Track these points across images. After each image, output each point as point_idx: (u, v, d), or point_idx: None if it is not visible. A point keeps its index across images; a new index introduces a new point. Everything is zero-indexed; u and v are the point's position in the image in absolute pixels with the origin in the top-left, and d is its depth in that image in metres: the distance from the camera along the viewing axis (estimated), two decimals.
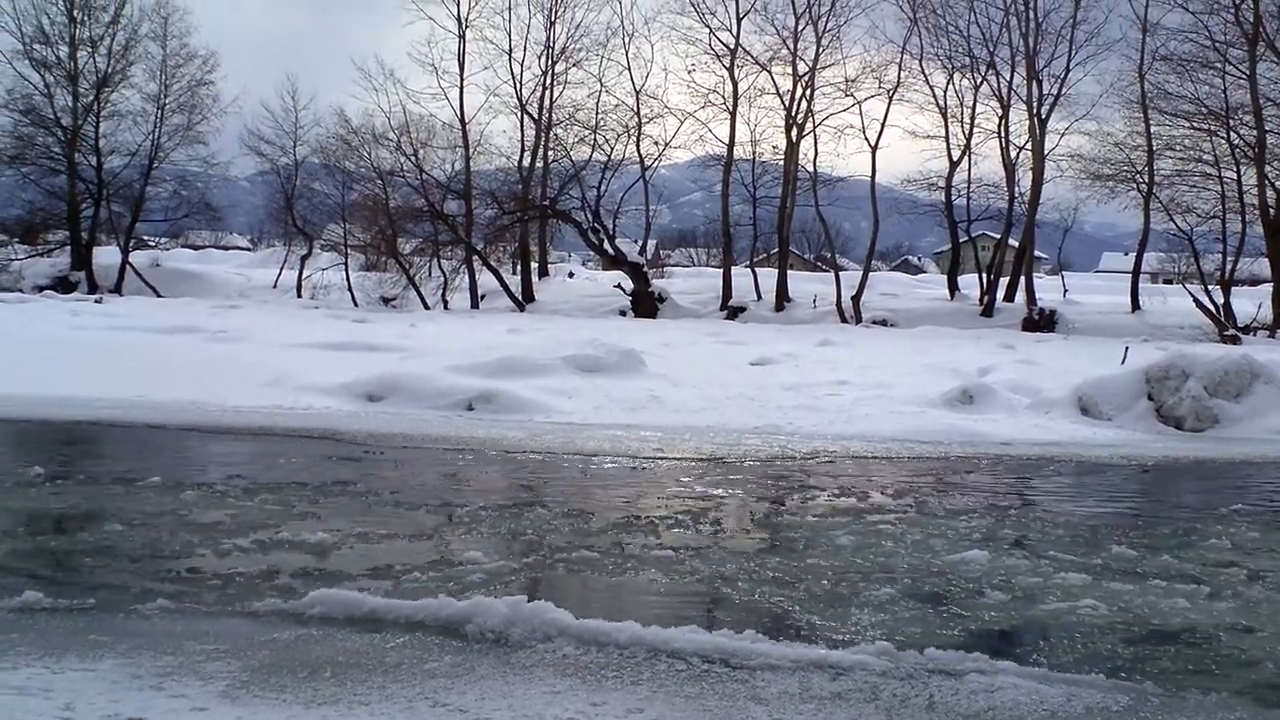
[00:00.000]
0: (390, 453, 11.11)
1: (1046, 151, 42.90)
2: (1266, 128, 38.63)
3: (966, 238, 47.67)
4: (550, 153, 48.49)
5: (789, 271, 46.62)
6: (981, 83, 44.29)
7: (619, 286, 44.54)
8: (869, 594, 6.17)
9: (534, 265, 49.63)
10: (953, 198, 45.84)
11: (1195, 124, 40.88)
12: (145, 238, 56.89)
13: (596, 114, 47.85)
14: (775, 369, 20.19)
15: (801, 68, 44.97)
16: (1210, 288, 39.68)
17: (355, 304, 44.80)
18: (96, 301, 36.11)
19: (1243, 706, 4.70)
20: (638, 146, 48.75)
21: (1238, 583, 6.64)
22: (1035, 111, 42.49)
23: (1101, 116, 43.36)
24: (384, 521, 7.72)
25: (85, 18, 48.92)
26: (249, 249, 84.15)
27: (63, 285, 46.20)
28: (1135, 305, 42.32)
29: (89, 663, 4.79)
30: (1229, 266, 40.68)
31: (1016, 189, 44.23)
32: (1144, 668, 5.13)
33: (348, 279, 47.40)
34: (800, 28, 44.68)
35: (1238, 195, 40.31)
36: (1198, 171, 42.16)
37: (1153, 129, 41.26)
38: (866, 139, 45.82)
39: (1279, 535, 8.19)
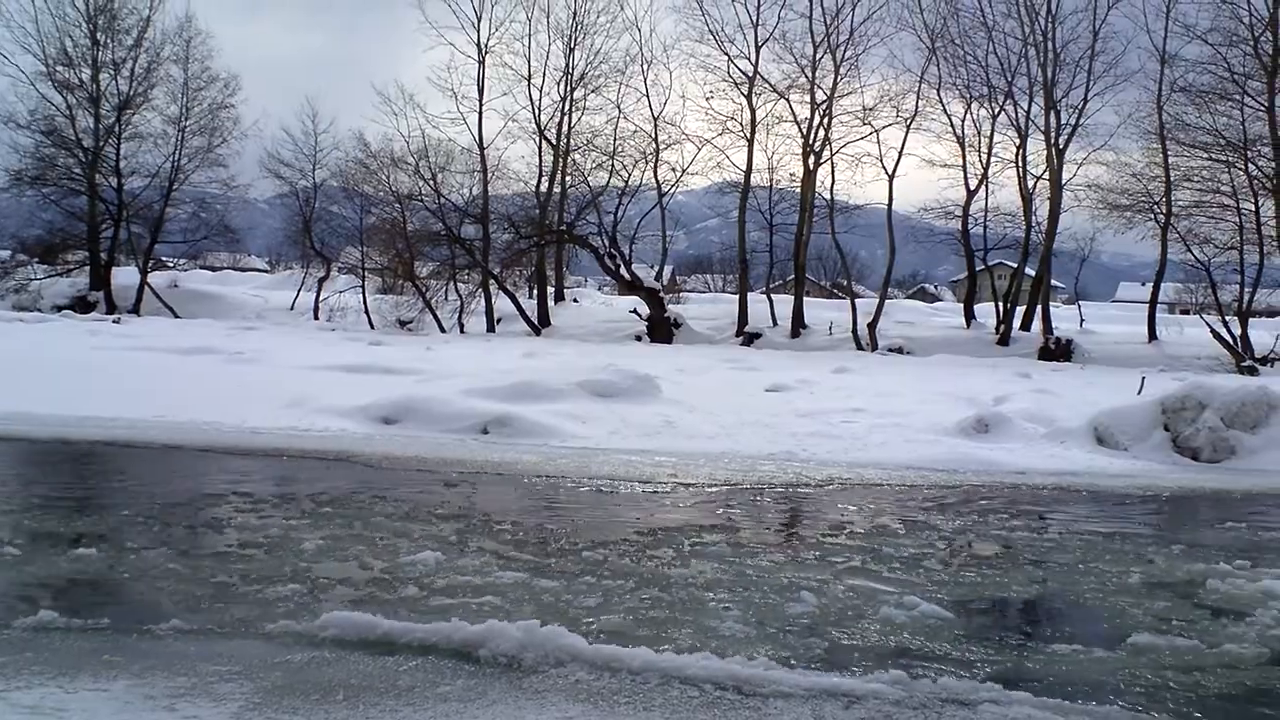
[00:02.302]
0: (406, 474, 11.13)
1: (1064, 181, 42.85)
2: None
3: (983, 266, 47.57)
4: (568, 178, 48.66)
5: (805, 298, 46.55)
6: (999, 112, 44.29)
7: (635, 312, 44.57)
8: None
9: (550, 290, 49.70)
10: (970, 226, 45.78)
11: (1213, 155, 40.76)
12: (164, 259, 57.15)
13: (614, 140, 48.11)
14: (790, 395, 20.16)
15: (819, 96, 45.06)
16: (1228, 318, 39.51)
17: (372, 327, 44.95)
18: (115, 322, 36.32)
19: None
20: (655, 173, 48.98)
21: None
22: (1053, 141, 42.48)
23: (1119, 147, 43.44)
24: (398, 541, 7.72)
25: (108, 40, 49.43)
26: (267, 271, 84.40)
27: (81, 305, 46.49)
28: (1152, 335, 42.16)
29: (102, 682, 4.80)
30: (1246, 297, 40.49)
31: (1034, 218, 44.16)
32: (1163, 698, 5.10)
33: (364, 302, 47.60)
34: (819, 56, 44.81)
35: (1255, 226, 40.14)
36: (1215, 203, 42.01)
37: (1170, 160, 41.18)
38: (884, 167, 45.92)
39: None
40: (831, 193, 46.69)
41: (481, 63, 47.64)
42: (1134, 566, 7.77)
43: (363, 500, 9.30)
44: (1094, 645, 5.82)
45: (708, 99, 47.34)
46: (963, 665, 5.45)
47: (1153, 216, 42.58)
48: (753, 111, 46.03)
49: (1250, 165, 39.81)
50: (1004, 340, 41.86)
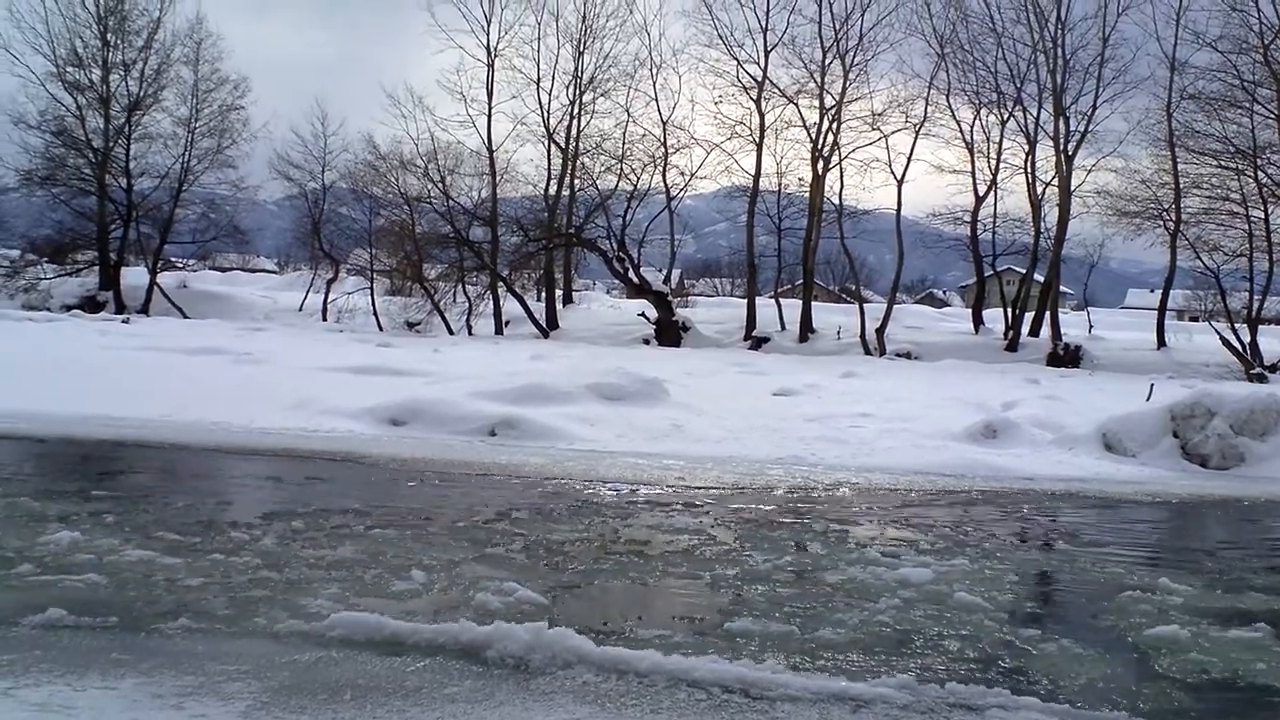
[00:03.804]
0: (415, 476, 11.13)
1: (1073, 188, 42.81)
2: None
3: (992, 272, 47.53)
4: (576, 181, 48.64)
5: (813, 303, 46.59)
6: (1008, 118, 44.27)
7: (643, 315, 44.57)
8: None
9: (558, 293, 49.74)
10: (978, 232, 45.71)
11: (1223, 162, 40.70)
12: (173, 259, 57.29)
13: (623, 144, 48.02)
14: (798, 400, 20.14)
15: (828, 101, 45.07)
16: (1237, 326, 39.45)
17: (380, 328, 45.02)
18: (124, 322, 36.38)
19: None
20: (664, 176, 48.98)
21: None
22: (1062, 148, 42.45)
23: (1128, 154, 43.25)
24: (407, 544, 7.73)
25: (119, 41, 49.53)
26: (275, 272, 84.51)
27: (90, 305, 46.56)
28: (1161, 342, 42.06)
29: (110, 681, 4.80)
30: (1256, 305, 40.41)
31: (1043, 224, 44.14)
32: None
33: (373, 303, 47.70)
34: (828, 61, 44.81)
35: (1265, 234, 40.06)
36: (1225, 210, 41.94)
37: (1180, 167, 41.12)
38: (892, 172, 45.92)
39: None
40: (840, 197, 46.79)
41: (491, 66, 47.78)
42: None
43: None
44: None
45: (716, 103, 47.43)
46: None
47: (1162, 223, 42.49)
48: (761, 116, 46.08)
49: (1260, 172, 39.73)
50: (1012, 346, 41.80)
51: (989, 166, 45.03)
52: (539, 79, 48.03)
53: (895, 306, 46.91)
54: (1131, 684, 5.32)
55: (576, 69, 47.99)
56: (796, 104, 46.03)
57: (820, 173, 45.16)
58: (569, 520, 8.94)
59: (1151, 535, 10.21)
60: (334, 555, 7.29)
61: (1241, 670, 5.65)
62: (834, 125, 45.14)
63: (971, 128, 44.90)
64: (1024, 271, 45.99)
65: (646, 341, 42.59)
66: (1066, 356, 39.31)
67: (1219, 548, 9.65)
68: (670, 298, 46.25)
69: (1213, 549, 9.51)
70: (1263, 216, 40.20)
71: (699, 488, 11.15)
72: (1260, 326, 40.22)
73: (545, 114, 48.28)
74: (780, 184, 48.74)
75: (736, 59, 46.22)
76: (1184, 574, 7.75)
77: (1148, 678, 5.50)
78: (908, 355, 40.03)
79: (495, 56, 47.65)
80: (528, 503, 9.75)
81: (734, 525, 9.05)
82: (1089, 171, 43.68)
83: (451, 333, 43.96)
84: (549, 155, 48.58)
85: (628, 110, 48.32)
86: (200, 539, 7.56)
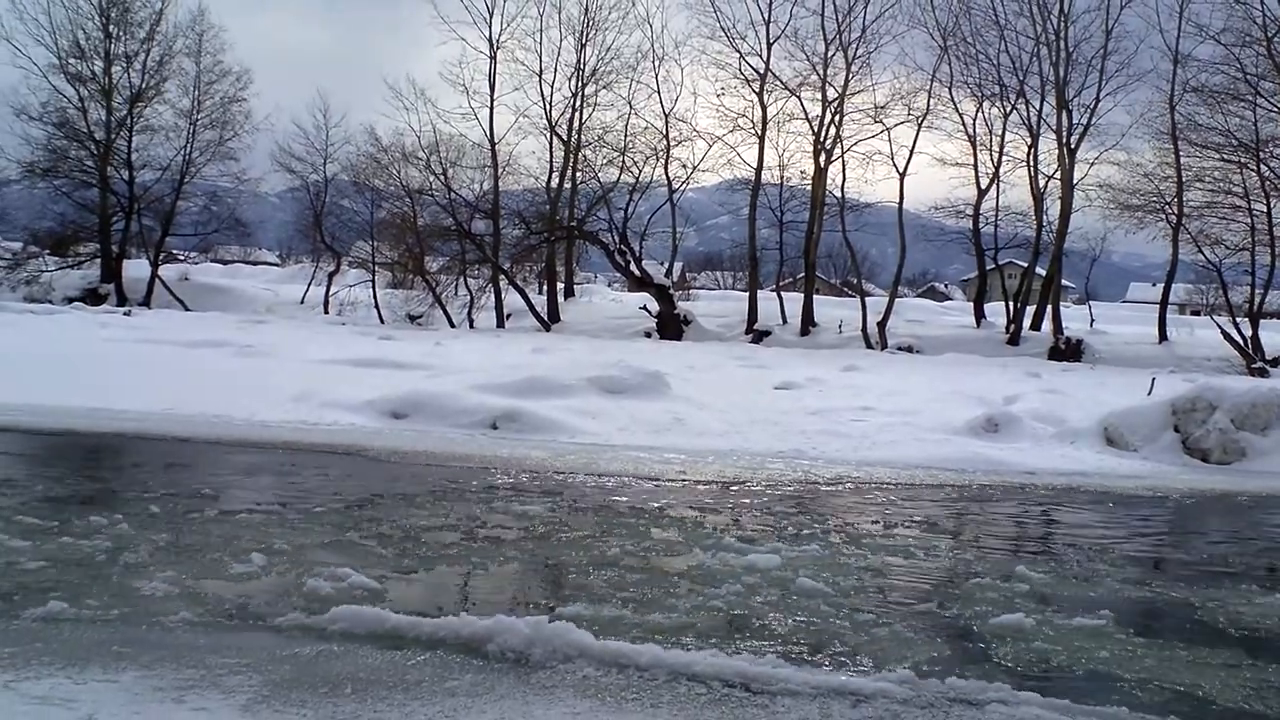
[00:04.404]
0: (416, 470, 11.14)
1: (1075, 181, 42.73)
2: None
3: (994, 265, 47.47)
4: (579, 174, 48.66)
5: (815, 296, 46.58)
6: (1011, 111, 44.17)
7: (644, 308, 44.55)
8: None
9: (560, 285, 49.73)
10: (980, 225, 45.63)
11: (1225, 156, 40.66)
12: (175, 252, 57.28)
13: (625, 136, 48.01)
14: (800, 393, 20.13)
15: (831, 94, 44.99)
16: (1238, 320, 39.41)
17: (381, 321, 45.01)
18: (125, 314, 36.36)
19: None
20: (666, 169, 48.88)
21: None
22: (1065, 141, 42.37)
23: (1131, 147, 43.23)
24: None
25: (121, 33, 49.52)
26: (277, 264, 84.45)
27: (92, 297, 46.56)
28: (1163, 336, 42.04)
29: (111, 674, 4.81)
30: (1258, 299, 40.38)
31: (1045, 218, 44.04)
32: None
33: (374, 296, 47.72)
34: (830, 54, 44.74)
35: (1268, 228, 40.01)
36: (1227, 204, 41.92)
37: (1182, 160, 41.08)
38: (895, 165, 45.81)
39: None
40: (842, 190, 46.68)
41: (493, 58, 47.71)
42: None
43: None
44: None
45: (719, 96, 47.31)
46: None
47: (1164, 217, 42.45)
48: (764, 108, 46.04)
49: (1263, 166, 39.72)
50: (1014, 340, 41.77)
51: (991, 160, 45.00)
52: (541, 71, 48.07)
53: (897, 300, 46.83)
54: (956, 669, 5.30)
55: (579, 61, 48.00)
56: (799, 96, 46.03)
57: (822, 165, 45.11)
58: (431, 506, 9.06)
59: (1097, 528, 10.20)
60: (187, 541, 7.35)
61: (1084, 659, 5.68)
62: (836, 118, 45.09)
63: (974, 120, 44.87)
64: (1026, 265, 45.91)
65: (648, 334, 42.59)
66: (1068, 350, 39.29)
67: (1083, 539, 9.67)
68: (672, 291, 46.22)
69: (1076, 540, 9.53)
70: (1265, 210, 40.18)
71: (698, 481, 11.15)
72: (1262, 320, 40.23)
73: (547, 106, 48.30)
74: (782, 177, 48.77)
75: (739, 51, 46.23)
76: (1040, 563, 7.84)
77: (974, 662, 5.52)
78: (909, 349, 40.00)
79: (498, 49, 47.63)
80: (416, 489, 9.87)
81: (590, 513, 9.11)
82: (1091, 165, 43.70)
83: (453, 325, 43.96)
84: (551, 148, 48.59)
85: (630, 103, 48.35)
86: (58, 524, 7.59)
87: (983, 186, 45.00)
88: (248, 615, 5.78)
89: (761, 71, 45.82)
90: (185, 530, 7.65)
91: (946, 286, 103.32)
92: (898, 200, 45.68)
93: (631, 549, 7.70)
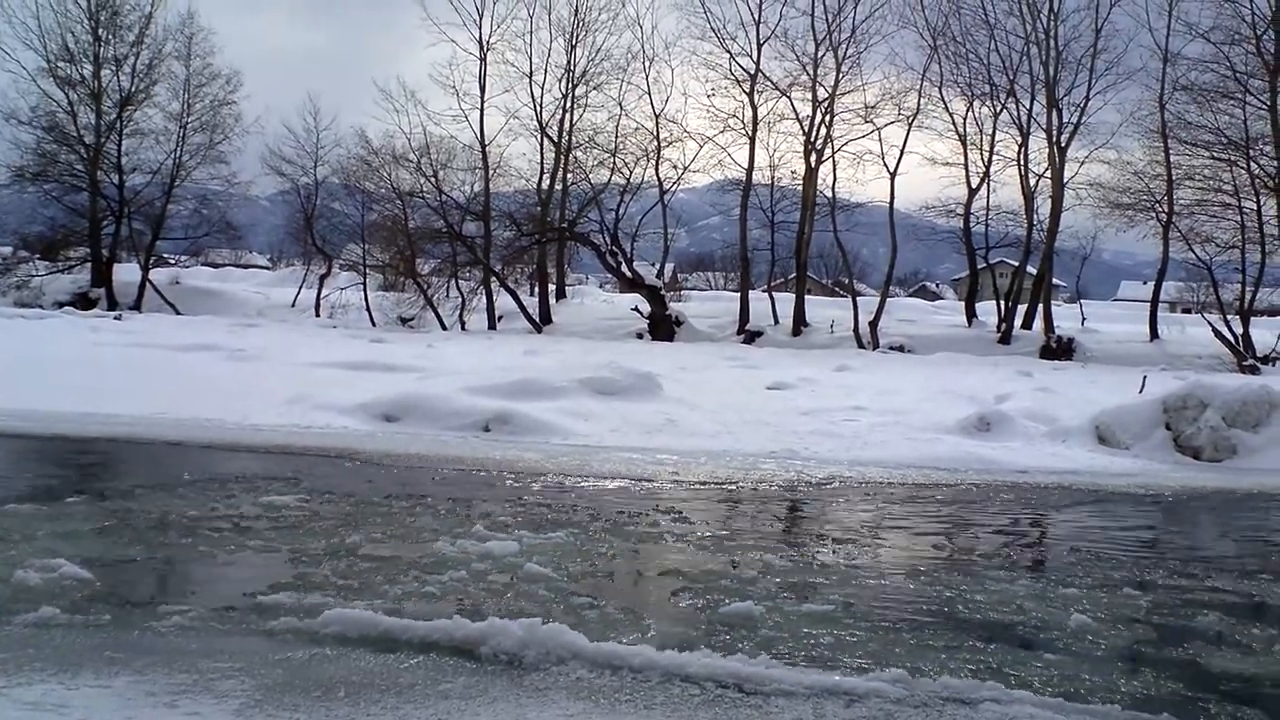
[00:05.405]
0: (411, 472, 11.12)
1: (1066, 180, 42.88)
2: None
3: (985, 265, 47.53)
4: (569, 175, 48.71)
5: (806, 296, 46.60)
6: (1001, 110, 44.30)
7: (636, 309, 44.57)
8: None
9: (551, 287, 49.74)
10: (971, 224, 45.72)
11: (1215, 154, 40.80)
12: (165, 255, 57.17)
13: (616, 137, 48.11)
14: (792, 394, 20.15)
15: (821, 94, 45.11)
16: (1229, 317, 39.52)
17: (373, 324, 44.97)
18: (116, 318, 36.33)
19: None
20: (656, 170, 48.99)
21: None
22: (1055, 140, 42.49)
23: (1121, 145, 43.34)
24: (406, 539, 7.73)
25: (110, 36, 49.51)
26: (268, 268, 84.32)
27: (83, 302, 46.51)
28: (1154, 334, 42.12)
29: (104, 679, 4.79)
30: (1248, 296, 40.49)
31: (1035, 216, 44.18)
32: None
33: (366, 299, 47.66)
34: (820, 54, 44.83)
35: (1258, 225, 40.14)
36: (1217, 201, 42.07)
37: (1172, 158, 41.22)
38: (885, 165, 45.94)
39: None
40: (833, 190, 46.75)
41: (483, 60, 47.73)
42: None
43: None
44: None
45: (709, 96, 47.45)
46: None
47: (1154, 215, 42.59)
48: (754, 109, 46.17)
49: (1252, 164, 39.87)
50: (1005, 339, 41.87)
51: (982, 159, 45.11)
52: (531, 72, 48.11)
53: (888, 300, 46.94)
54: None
55: (569, 62, 48.06)
56: (789, 97, 46.14)
57: (813, 165, 45.19)
58: (189, 495, 9.08)
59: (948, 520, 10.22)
60: None
61: (809, 643, 5.70)
62: (827, 118, 45.21)
63: (964, 120, 44.99)
64: (1017, 264, 46.04)
65: (640, 336, 42.62)
66: (1059, 349, 39.39)
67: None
68: (663, 292, 46.25)
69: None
70: (1255, 208, 40.34)
71: (691, 481, 11.15)
72: (1252, 318, 40.32)
73: (538, 108, 48.33)
74: (773, 177, 48.95)
75: (729, 52, 46.35)
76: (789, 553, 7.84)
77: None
78: (901, 348, 40.07)
79: (488, 50, 47.68)
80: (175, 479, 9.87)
81: (344, 502, 9.08)
82: (1082, 163, 43.82)
83: (445, 328, 43.93)
84: (541, 149, 48.63)
85: (620, 104, 48.45)
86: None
87: (973, 186, 45.15)
88: (240, 619, 5.76)
89: (752, 72, 45.93)
90: None
91: (938, 286, 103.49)
92: (889, 200, 45.96)
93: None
